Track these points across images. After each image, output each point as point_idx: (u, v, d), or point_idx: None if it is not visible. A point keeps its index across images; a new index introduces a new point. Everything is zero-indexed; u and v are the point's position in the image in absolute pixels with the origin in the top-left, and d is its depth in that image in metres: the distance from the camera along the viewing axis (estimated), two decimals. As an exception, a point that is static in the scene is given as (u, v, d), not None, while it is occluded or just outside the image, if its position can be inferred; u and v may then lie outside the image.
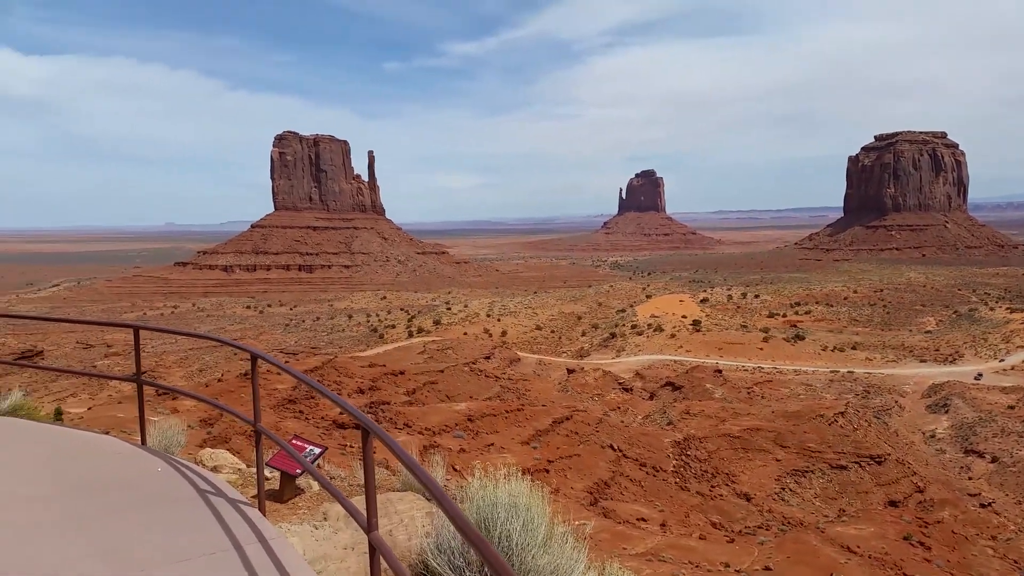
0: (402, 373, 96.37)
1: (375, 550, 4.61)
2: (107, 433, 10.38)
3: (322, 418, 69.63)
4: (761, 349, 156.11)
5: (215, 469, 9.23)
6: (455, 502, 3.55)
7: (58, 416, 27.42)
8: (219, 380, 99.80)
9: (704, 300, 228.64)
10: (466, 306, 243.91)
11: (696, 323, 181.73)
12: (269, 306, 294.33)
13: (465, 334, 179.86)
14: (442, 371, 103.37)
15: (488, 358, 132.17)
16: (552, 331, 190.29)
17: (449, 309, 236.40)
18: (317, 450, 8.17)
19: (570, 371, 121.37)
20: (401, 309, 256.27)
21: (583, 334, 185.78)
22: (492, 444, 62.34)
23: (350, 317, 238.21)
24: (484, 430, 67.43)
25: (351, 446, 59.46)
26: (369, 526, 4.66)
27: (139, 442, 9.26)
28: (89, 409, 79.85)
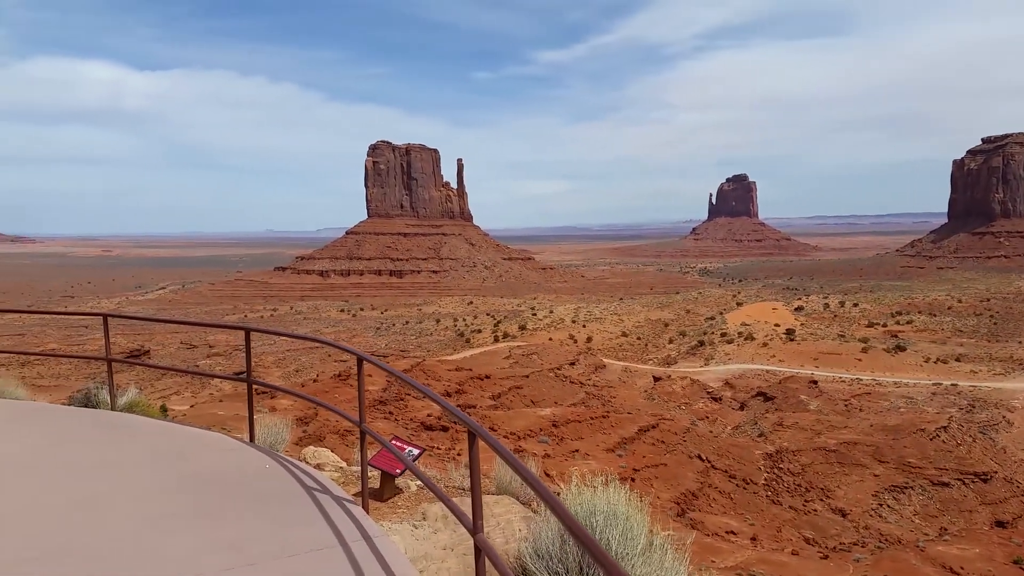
0: (488, 377, 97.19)
1: (480, 552, 4.69)
2: (208, 429, 10.90)
3: (410, 419, 71.03)
4: (859, 360, 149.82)
5: (318, 467, 9.53)
6: (567, 508, 3.58)
7: (163, 412, 28.93)
8: (314, 380, 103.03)
9: (799, 308, 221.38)
10: (551, 312, 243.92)
11: (790, 332, 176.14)
12: (361, 310, 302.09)
13: (550, 339, 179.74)
14: (527, 376, 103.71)
15: (573, 364, 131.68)
16: (638, 338, 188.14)
17: (535, 314, 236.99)
18: (416, 451, 8.35)
19: (656, 379, 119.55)
20: (487, 314, 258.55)
21: (670, 341, 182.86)
22: (576, 450, 62.08)
23: (438, 321, 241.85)
24: (569, 436, 67.24)
25: (438, 448, 60.39)
26: (475, 528, 4.76)
27: (247, 439, 9.70)
28: (192, 407, 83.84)
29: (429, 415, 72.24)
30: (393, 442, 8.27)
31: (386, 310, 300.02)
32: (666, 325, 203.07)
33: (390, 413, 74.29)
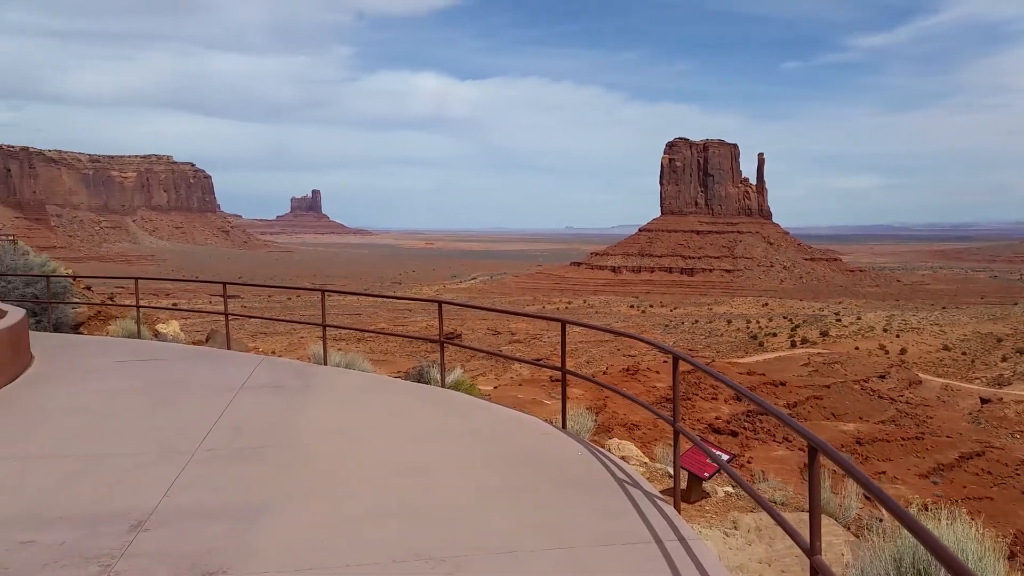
0: (783, 384, 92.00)
1: (816, 573, 4.41)
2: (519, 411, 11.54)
3: (697, 420, 69.63)
4: None
5: (623, 459, 9.66)
6: (934, 534, 3.21)
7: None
8: (604, 372, 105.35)
9: None
10: (859, 318, 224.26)
11: None
12: (651, 306, 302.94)
13: (856, 349, 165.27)
14: (828, 386, 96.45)
15: (883, 377, 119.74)
16: (963, 353, 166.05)
17: (839, 320, 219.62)
18: (725, 456, 8.11)
19: (984, 401, 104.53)
20: (784, 317, 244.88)
21: (1003, 359, 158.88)
22: (883, 472, 56.64)
23: (729, 322, 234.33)
24: (874, 456, 61.64)
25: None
26: (812, 549, 4.48)
27: (559, 425, 10.14)
28: (495, 388, 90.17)
29: (717, 417, 70.36)
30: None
31: (675, 308, 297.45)
32: (999, 340, 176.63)
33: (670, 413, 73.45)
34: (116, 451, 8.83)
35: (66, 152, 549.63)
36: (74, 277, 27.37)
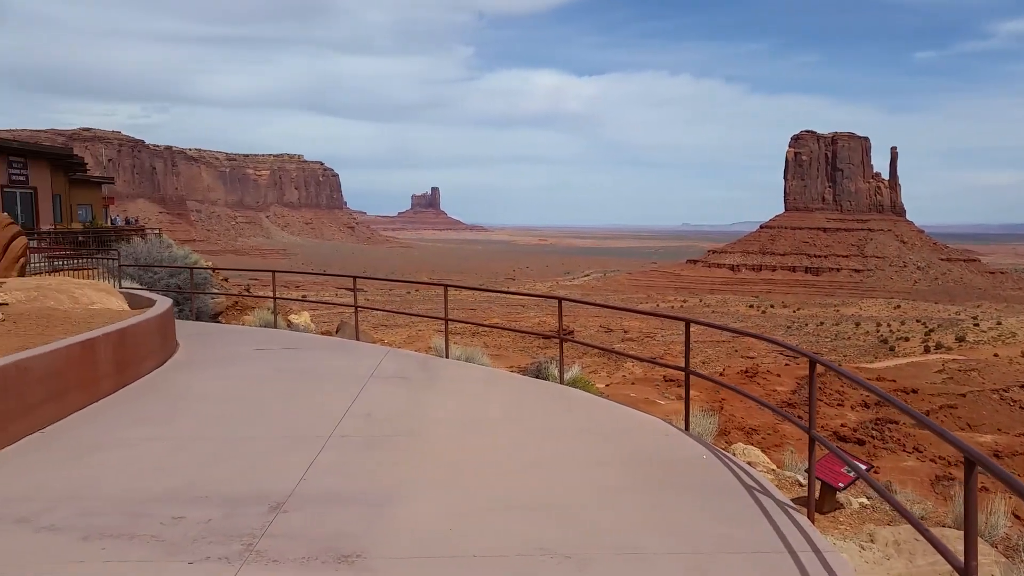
0: (914, 392, 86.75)
1: (970, 594, 4.14)
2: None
3: (821, 428, 66.65)
4: None
5: (749, 464, 9.40)
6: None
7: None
8: (720, 373, 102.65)
9: None
10: (999, 323, 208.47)
11: None
12: (772, 307, 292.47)
13: (996, 356, 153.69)
14: (963, 395, 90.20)
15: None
16: None
17: (977, 325, 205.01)
18: (862, 467, 7.75)
19: None
20: (917, 320, 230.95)
21: None
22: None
23: (857, 325, 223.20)
24: (1015, 470, 57.21)
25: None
26: (968, 569, 4.20)
27: (681, 427, 9.97)
28: (607, 386, 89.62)
29: (843, 425, 67.17)
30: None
31: (798, 308, 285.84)
32: None
33: (799, 418, 70.73)
34: (255, 435, 9.34)
35: (205, 151, 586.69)
36: (214, 269, 29.19)
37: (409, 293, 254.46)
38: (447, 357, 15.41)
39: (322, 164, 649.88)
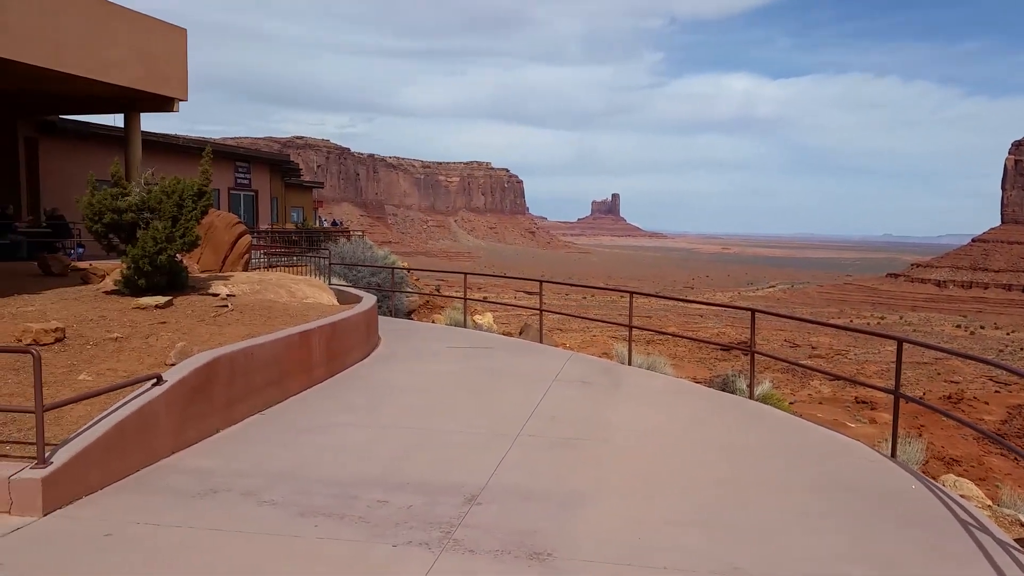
0: None
1: None
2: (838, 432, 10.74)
3: (1043, 466, 59.49)
4: None
5: (962, 497, 8.66)
6: None
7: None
8: (921, 398, 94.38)
9: None
10: None
11: None
12: (982, 327, 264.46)
13: None
14: None
15: None
16: None
17: None
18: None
19: None
20: None
21: None
22: None
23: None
24: None
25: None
26: None
27: (887, 453, 9.33)
28: (791, 404, 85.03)
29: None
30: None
31: (1013, 331, 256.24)
32: None
33: (1008, 452, 63.44)
34: (449, 428, 9.82)
35: (403, 159, 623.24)
36: (409, 269, 30.99)
37: (585, 298, 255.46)
38: (629, 364, 15.37)
39: (507, 171, 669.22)
